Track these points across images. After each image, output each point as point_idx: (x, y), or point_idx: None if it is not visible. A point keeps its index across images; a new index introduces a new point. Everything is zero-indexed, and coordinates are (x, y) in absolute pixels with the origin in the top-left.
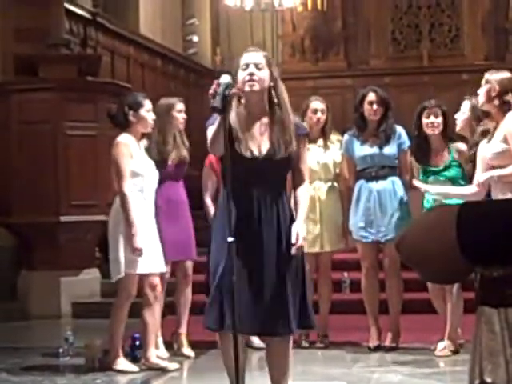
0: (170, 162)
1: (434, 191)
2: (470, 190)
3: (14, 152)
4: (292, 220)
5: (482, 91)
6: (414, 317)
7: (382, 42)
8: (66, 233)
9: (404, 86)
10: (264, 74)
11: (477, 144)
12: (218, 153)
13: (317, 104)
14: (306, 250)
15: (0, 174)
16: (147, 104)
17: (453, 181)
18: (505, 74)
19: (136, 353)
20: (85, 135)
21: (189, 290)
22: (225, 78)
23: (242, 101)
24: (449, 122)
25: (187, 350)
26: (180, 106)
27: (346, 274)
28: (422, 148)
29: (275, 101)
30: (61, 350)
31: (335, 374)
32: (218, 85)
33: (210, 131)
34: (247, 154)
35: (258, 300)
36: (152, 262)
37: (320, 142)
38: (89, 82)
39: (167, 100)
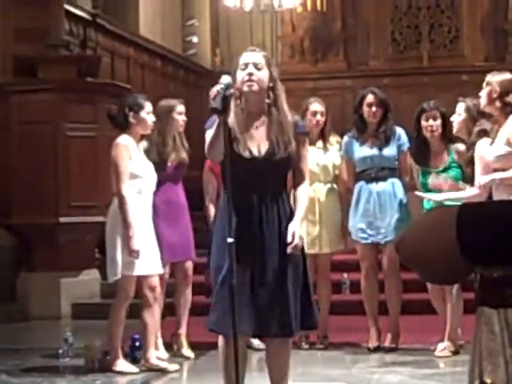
0: (169, 164)
1: (436, 199)
2: (471, 193)
3: (14, 153)
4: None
5: (483, 93)
6: (414, 317)
7: (382, 43)
8: (66, 234)
9: (403, 87)
10: (263, 75)
11: (474, 144)
12: (216, 159)
13: (316, 106)
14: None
15: (0, 174)
16: (148, 106)
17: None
18: (506, 76)
19: (136, 354)
20: (84, 136)
21: (189, 291)
22: (225, 79)
23: (241, 101)
24: (448, 124)
25: (187, 351)
26: (180, 108)
27: (345, 275)
28: (422, 150)
29: (273, 101)
30: (60, 351)
31: (335, 375)
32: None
33: (209, 136)
34: (246, 155)
35: (259, 301)
36: (149, 263)
37: (319, 143)
38: (88, 83)
39: (168, 102)
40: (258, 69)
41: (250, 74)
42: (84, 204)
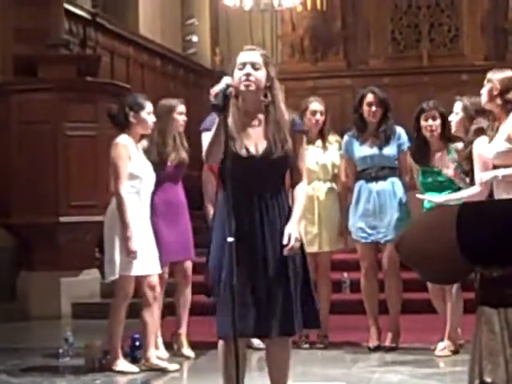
0: (169, 164)
1: (437, 201)
2: (472, 192)
3: (14, 152)
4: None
5: (484, 91)
6: (414, 317)
7: (382, 42)
8: (66, 233)
9: (403, 86)
10: (261, 75)
11: (471, 143)
12: (214, 164)
13: (316, 105)
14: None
15: (0, 174)
16: (148, 106)
17: (452, 181)
18: (507, 73)
19: (136, 353)
20: (84, 135)
21: (188, 291)
22: (226, 79)
23: (238, 100)
24: (447, 124)
25: (187, 351)
26: (181, 107)
27: (345, 275)
28: (422, 149)
29: (271, 100)
30: (61, 351)
31: (335, 375)
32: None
33: (206, 139)
34: (243, 153)
35: (260, 301)
36: (147, 263)
37: (318, 142)
38: (88, 83)
39: (168, 101)
40: (256, 69)
41: (248, 75)
42: (84, 203)
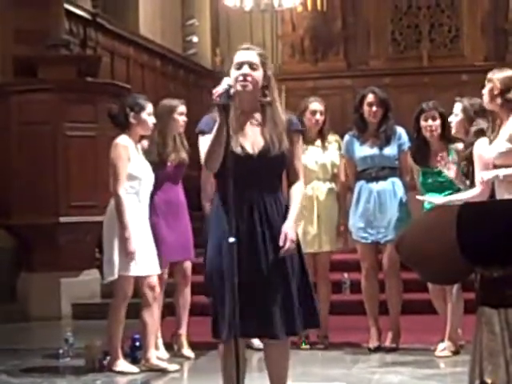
0: (169, 164)
1: (438, 202)
2: (473, 193)
3: (14, 153)
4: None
5: (485, 91)
6: (414, 317)
7: (382, 43)
8: (66, 234)
9: (404, 87)
10: (258, 74)
11: (472, 144)
12: (214, 170)
13: (316, 105)
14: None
15: (0, 174)
16: (149, 107)
17: (452, 182)
18: (507, 73)
19: (136, 354)
20: (84, 136)
21: (188, 291)
22: (228, 80)
23: (234, 99)
24: (447, 124)
25: (187, 351)
26: (182, 108)
27: (346, 275)
28: (422, 150)
29: (267, 99)
30: (61, 352)
31: (335, 375)
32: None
33: (204, 143)
34: (240, 152)
35: (261, 301)
36: (146, 264)
37: (318, 142)
38: (88, 83)
39: (169, 102)
40: (253, 68)
41: (245, 75)
42: (84, 204)
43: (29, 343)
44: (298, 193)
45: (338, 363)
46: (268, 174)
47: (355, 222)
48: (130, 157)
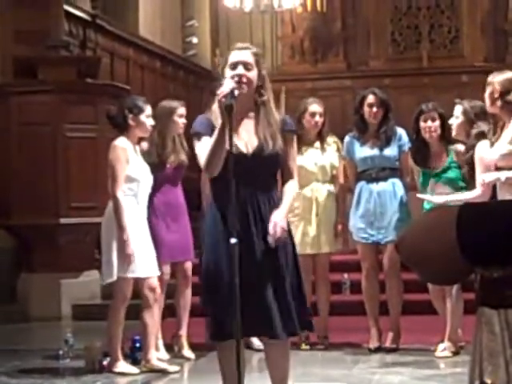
0: (168, 166)
1: (437, 201)
2: (474, 194)
3: (14, 154)
4: (287, 224)
5: (486, 94)
6: (415, 318)
7: (382, 43)
8: (66, 235)
9: (403, 88)
10: (252, 75)
11: (473, 147)
12: (215, 174)
13: (315, 107)
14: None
15: (0, 175)
16: (148, 109)
17: (453, 182)
18: (506, 75)
19: (136, 355)
20: (84, 137)
21: (188, 292)
22: (230, 81)
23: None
24: (446, 125)
25: (187, 352)
26: (181, 110)
27: (346, 276)
28: (421, 151)
29: (261, 99)
30: (61, 352)
31: (335, 376)
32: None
33: (202, 146)
34: (234, 151)
35: (258, 302)
36: (145, 265)
37: (317, 144)
38: (88, 84)
39: (169, 103)
40: (248, 69)
41: (240, 76)
42: (84, 205)
43: (29, 344)
44: (291, 189)
45: (338, 364)
46: (262, 174)
47: (356, 222)
48: (129, 159)
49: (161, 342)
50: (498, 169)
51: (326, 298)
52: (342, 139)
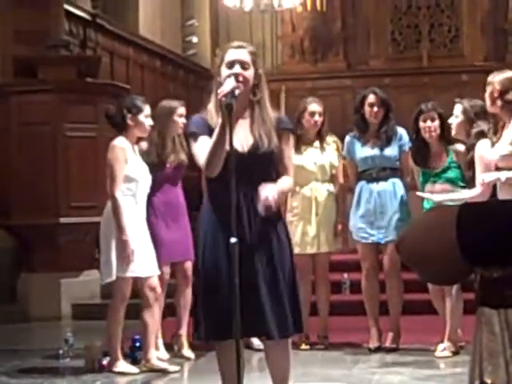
0: (168, 165)
1: (437, 199)
2: (473, 193)
3: (14, 153)
4: (284, 223)
5: (486, 94)
6: (415, 318)
7: (382, 43)
8: (66, 234)
9: (403, 87)
10: (249, 74)
11: (473, 146)
12: (215, 173)
13: (314, 106)
14: (299, 250)
15: (0, 175)
16: (146, 109)
17: (452, 182)
18: (506, 74)
19: (136, 354)
20: (84, 136)
21: (189, 291)
22: (230, 80)
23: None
24: (446, 125)
25: (187, 352)
26: (181, 110)
27: (345, 275)
28: (421, 151)
29: (257, 98)
30: (61, 352)
31: (335, 376)
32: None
33: (201, 146)
34: (229, 150)
35: (254, 302)
36: (144, 265)
37: (316, 143)
38: (88, 84)
39: (169, 103)
40: (245, 68)
41: (237, 75)
42: (84, 204)
43: (29, 344)
44: (284, 180)
45: (338, 364)
46: (257, 172)
47: (356, 222)
48: (127, 159)
49: (161, 342)
50: (498, 169)
51: (325, 297)
52: (342, 139)
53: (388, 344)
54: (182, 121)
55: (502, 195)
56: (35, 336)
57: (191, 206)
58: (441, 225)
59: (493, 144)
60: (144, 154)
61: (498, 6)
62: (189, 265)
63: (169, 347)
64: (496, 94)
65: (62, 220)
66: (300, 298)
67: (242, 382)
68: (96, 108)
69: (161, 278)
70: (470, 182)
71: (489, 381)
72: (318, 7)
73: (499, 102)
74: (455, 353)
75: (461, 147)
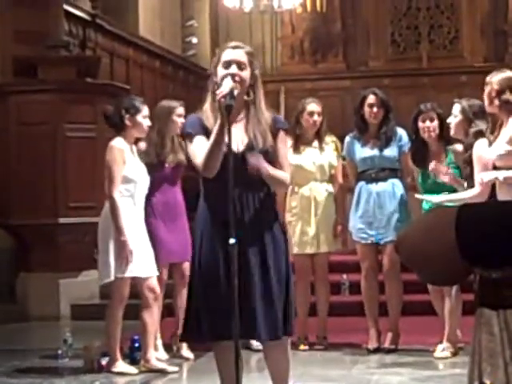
0: (167, 165)
1: (436, 201)
2: (472, 193)
3: (13, 153)
4: (280, 224)
5: (484, 94)
6: (414, 319)
7: (381, 44)
8: (65, 234)
9: (403, 88)
10: (245, 74)
11: (471, 145)
12: (213, 174)
13: (313, 107)
14: (298, 250)
15: None
16: (145, 110)
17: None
18: (504, 74)
19: (135, 354)
20: (84, 137)
21: (186, 292)
22: (229, 81)
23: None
24: (445, 125)
25: (186, 352)
26: (180, 110)
27: (345, 276)
28: (420, 151)
29: (252, 98)
30: (59, 352)
31: (334, 376)
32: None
33: (198, 147)
34: (225, 150)
35: (246, 304)
36: (143, 265)
37: (315, 143)
38: (88, 84)
39: (168, 103)
40: (241, 68)
41: (233, 75)
42: (83, 205)
43: (27, 344)
44: (280, 171)
45: (337, 364)
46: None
47: (355, 222)
48: (126, 159)
49: (160, 342)
50: (495, 168)
51: (325, 298)
52: (341, 139)
53: (387, 345)
54: (181, 121)
55: (501, 196)
56: (34, 336)
57: (190, 206)
58: (440, 225)
59: (490, 143)
60: (142, 155)
61: (498, 7)
62: (187, 265)
63: (168, 348)
64: (494, 94)
65: (61, 220)
66: (293, 300)
67: (240, 383)
68: (95, 108)
69: (159, 278)
70: (467, 180)
71: (488, 381)
72: (318, 8)
73: (497, 102)
74: (454, 353)
75: (459, 147)
